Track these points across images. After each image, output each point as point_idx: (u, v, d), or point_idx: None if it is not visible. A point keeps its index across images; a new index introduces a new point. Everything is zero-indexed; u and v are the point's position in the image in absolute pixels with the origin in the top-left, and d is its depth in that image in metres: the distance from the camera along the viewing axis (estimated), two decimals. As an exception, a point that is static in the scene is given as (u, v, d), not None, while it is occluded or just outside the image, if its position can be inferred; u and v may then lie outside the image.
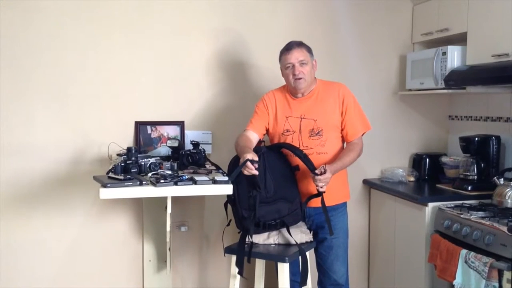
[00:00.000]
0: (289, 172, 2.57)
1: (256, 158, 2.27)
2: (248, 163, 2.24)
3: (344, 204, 2.72)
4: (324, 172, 2.38)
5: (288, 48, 2.57)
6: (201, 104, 3.18)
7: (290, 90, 2.65)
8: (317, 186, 2.42)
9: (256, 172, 2.26)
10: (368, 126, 2.70)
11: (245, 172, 2.26)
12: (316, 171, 2.40)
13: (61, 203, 2.98)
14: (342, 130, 2.64)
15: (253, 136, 2.61)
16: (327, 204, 2.58)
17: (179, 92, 3.14)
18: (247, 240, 2.43)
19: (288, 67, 2.55)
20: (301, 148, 2.57)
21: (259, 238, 2.46)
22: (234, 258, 2.48)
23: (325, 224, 2.59)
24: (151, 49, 3.07)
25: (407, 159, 3.58)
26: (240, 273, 2.42)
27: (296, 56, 2.53)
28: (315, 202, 2.52)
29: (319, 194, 2.46)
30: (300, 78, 2.54)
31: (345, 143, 2.68)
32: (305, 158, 2.48)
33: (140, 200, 3.05)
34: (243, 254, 2.40)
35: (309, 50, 2.60)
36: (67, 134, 2.97)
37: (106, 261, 3.08)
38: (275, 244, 2.48)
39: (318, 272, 2.74)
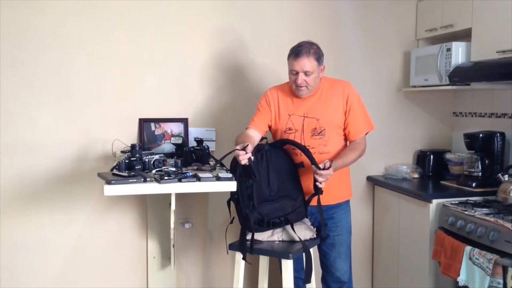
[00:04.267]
0: (292, 170, 2.56)
1: (246, 144, 2.24)
2: (237, 151, 2.22)
3: (347, 202, 2.72)
4: (328, 168, 2.38)
5: (297, 54, 2.47)
6: (204, 101, 3.18)
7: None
8: (316, 181, 2.41)
9: (249, 154, 2.23)
10: (372, 125, 2.68)
11: (242, 162, 2.22)
12: (320, 165, 2.39)
13: (66, 200, 2.99)
14: (344, 129, 2.62)
15: (255, 134, 2.60)
16: (329, 203, 2.58)
17: (182, 89, 3.14)
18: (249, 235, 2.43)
19: (293, 72, 2.52)
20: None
21: (263, 235, 2.46)
22: (237, 253, 2.49)
23: (327, 222, 2.60)
24: (155, 47, 3.07)
25: (411, 156, 3.57)
26: (244, 258, 2.42)
27: (302, 65, 2.47)
28: (317, 200, 2.51)
29: (317, 192, 2.46)
30: (302, 87, 2.52)
31: (347, 142, 2.68)
32: (307, 152, 2.47)
33: (144, 197, 3.06)
34: (245, 246, 2.40)
35: (318, 58, 2.51)
36: (71, 132, 2.98)
37: (111, 258, 3.10)
38: (279, 241, 2.48)
39: (322, 269, 2.74)
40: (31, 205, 2.95)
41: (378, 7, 3.43)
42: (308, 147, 2.54)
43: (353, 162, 2.59)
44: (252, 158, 2.26)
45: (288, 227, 2.47)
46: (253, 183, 2.34)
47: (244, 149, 2.23)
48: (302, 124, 2.59)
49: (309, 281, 2.50)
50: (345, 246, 2.69)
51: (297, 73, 2.49)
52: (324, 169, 2.38)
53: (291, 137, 2.60)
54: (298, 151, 2.55)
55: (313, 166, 2.40)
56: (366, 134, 2.67)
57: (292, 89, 2.59)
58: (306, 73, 2.49)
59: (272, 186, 2.46)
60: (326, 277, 2.73)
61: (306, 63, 2.47)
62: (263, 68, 3.24)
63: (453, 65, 2.98)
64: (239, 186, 2.33)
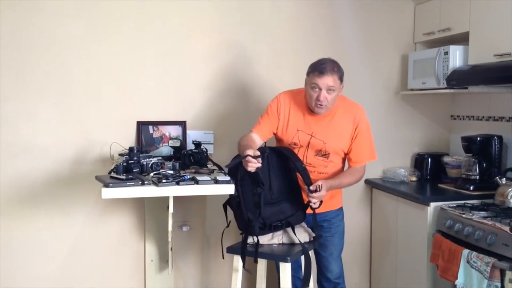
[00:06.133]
0: (292, 173, 2.56)
1: (258, 153, 2.25)
2: (249, 158, 2.21)
3: (340, 208, 2.73)
4: (319, 190, 2.37)
5: (322, 71, 2.40)
6: (203, 104, 3.18)
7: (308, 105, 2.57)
8: (310, 202, 2.41)
9: (259, 164, 2.23)
10: (374, 157, 2.66)
11: (249, 168, 2.23)
12: (311, 188, 2.38)
13: (63, 203, 2.99)
14: (347, 153, 2.61)
15: (257, 139, 2.57)
16: (320, 211, 2.55)
17: (181, 92, 3.14)
18: (252, 240, 2.41)
19: (314, 88, 2.43)
20: (305, 164, 2.54)
21: (263, 239, 2.45)
22: (235, 256, 2.49)
23: (322, 224, 2.61)
24: (153, 49, 3.07)
25: (409, 159, 3.58)
26: (243, 266, 2.41)
27: (327, 82, 2.39)
28: (309, 208, 2.50)
29: (311, 209, 2.45)
30: (322, 105, 2.45)
31: (346, 164, 2.67)
32: (303, 171, 2.47)
33: (142, 200, 3.06)
34: (245, 253, 2.39)
35: (341, 76, 2.46)
36: (69, 134, 2.97)
37: (108, 261, 3.09)
38: (279, 243, 2.48)
39: (317, 270, 2.75)
40: (29, 207, 2.94)
41: (376, 10, 3.44)
42: (309, 165, 2.55)
43: (348, 185, 2.61)
44: (260, 166, 2.25)
45: (289, 229, 2.48)
46: (261, 192, 2.33)
47: (256, 158, 2.22)
48: (308, 142, 2.57)
49: (307, 284, 2.49)
50: (337, 249, 2.70)
51: (320, 89, 2.42)
52: (316, 191, 2.37)
53: (294, 151, 2.58)
54: (299, 154, 2.56)
55: (306, 188, 2.41)
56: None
57: (310, 105, 2.51)
58: (329, 90, 2.42)
59: (273, 189, 2.45)
60: (320, 278, 2.76)
61: (331, 80, 2.40)
62: (262, 71, 3.24)
63: (450, 69, 2.98)
64: (241, 190, 2.34)
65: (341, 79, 2.46)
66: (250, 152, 2.24)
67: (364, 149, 2.61)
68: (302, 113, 2.58)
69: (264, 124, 2.61)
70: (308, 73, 2.48)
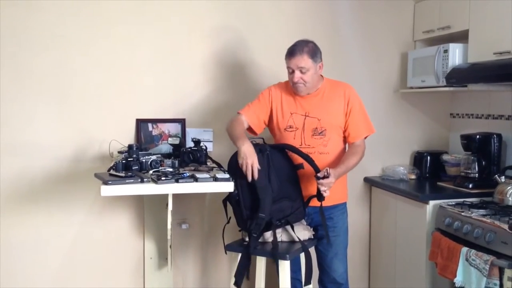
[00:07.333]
0: (292, 171, 2.56)
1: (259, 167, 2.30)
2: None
3: (344, 203, 2.72)
4: (327, 176, 2.37)
5: (291, 53, 2.52)
6: (202, 102, 3.18)
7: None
8: (320, 190, 2.41)
9: (249, 179, 2.30)
10: (372, 129, 2.68)
11: (244, 169, 2.28)
12: (319, 174, 2.38)
13: (62, 201, 2.98)
14: (344, 131, 2.63)
15: (245, 124, 2.61)
16: (326, 204, 2.57)
17: (180, 89, 3.14)
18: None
19: (289, 70, 2.55)
20: (303, 146, 2.56)
21: (262, 237, 2.45)
22: (235, 254, 2.48)
23: (327, 222, 2.59)
24: (152, 47, 3.07)
25: (408, 157, 3.58)
26: (238, 284, 2.42)
27: (296, 63, 2.49)
28: (314, 201, 2.51)
29: (319, 199, 2.45)
30: (299, 84, 2.53)
31: (347, 145, 2.68)
32: (311, 161, 2.48)
33: (141, 198, 3.06)
34: (248, 264, 2.41)
35: (312, 55, 2.51)
36: (68, 132, 2.97)
37: (107, 259, 3.09)
38: (278, 241, 2.47)
39: (318, 270, 2.74)
40: (28, 206, 2.94)
41: (375, 8, 3.43)
42: (308, 147, 2.56)
43: (355, 166, 2.59)
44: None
45: (288, 227, 2.47)
46: (263, 217, 2.34)
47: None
48: (303, 123, 2.60)
49: (309, 282, 2.49)
50: (342, 247, 2.69)
51: (293, 70, 2.52)
52: (324, 177, 2.37)
53: (291, 135, 2.60)
54: (296, 137, 2.58)
55: (315, 177, 2.40)
56: (365, 137, 2.67)
57: (291, 87, 2.60)
58: (301, 70, 2.51)
59: (273, 187, 2.45)
60: (322, 278, 2.73)
61: (300, 60, 2.50)
62: (261, 68, 3.24)
63: (450, 67, 2.98)
64: (240, 188, 2.34)
65: (313, 57, 2.51)
66: (258, 164, 2.29)
67: (360, 123, 2.63)
68: (293, 97, 2.65)
69: (255, 108, 2.65)
70: (285, 57, 2.58)
